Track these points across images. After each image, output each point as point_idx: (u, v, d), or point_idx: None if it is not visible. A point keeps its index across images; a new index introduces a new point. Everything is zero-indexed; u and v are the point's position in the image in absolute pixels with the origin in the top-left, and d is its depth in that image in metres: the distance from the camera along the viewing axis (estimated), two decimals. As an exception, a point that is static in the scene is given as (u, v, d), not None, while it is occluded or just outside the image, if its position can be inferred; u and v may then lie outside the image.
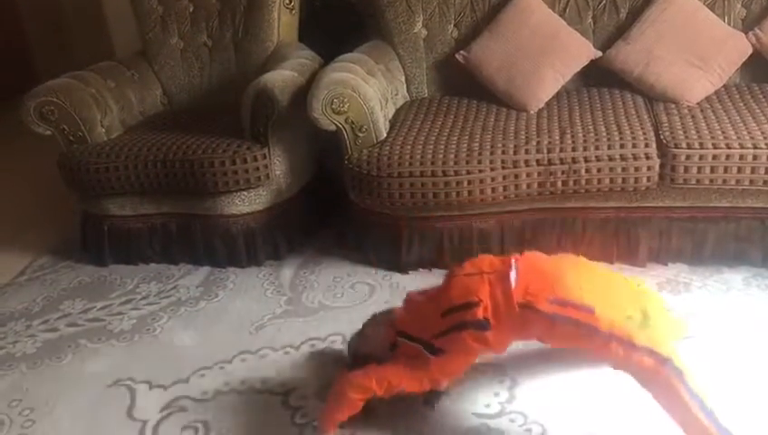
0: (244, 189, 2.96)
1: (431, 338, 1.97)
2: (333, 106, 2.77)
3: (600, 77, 3.07)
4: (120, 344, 2.70)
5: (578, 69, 3.07)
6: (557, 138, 2.70)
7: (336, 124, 2.81)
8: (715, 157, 2.50)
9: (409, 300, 2.19)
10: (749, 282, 2.61)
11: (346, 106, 2.78)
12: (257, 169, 2.92)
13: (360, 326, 2.27)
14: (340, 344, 2.54)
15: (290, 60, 3.17)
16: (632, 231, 2.73)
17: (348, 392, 2.06)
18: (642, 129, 2.65)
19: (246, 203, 3.01)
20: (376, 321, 2.25)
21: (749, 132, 2.53)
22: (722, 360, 2.24)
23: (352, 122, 2.81)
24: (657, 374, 1.75)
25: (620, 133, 2.64)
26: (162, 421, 2.29)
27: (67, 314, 2.93)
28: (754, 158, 2.47)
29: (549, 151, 2.65)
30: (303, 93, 2.86)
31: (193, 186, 2.97)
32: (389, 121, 3.02)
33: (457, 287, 1.99)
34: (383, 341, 2.13)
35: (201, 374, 2.48)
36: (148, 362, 2.58)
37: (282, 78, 2.94)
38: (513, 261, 1.98)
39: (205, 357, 2.56)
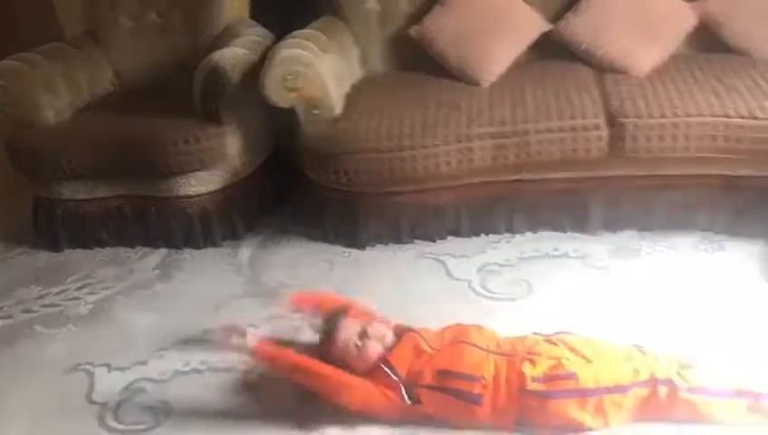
0: (198, 170, 2.94)
1: (416, 385, 2.00)
2: (287, 83, 2.75)
3: (551, 50, 3.10)
4: (77, 329, 2.67)
5: (529, 42, 3.09)
6: (508, 111, 2.72)
7: (290, 101, 2.79)
8: (662, 126, 2.55)
9: (409, 337, 2.14)
10: (696, 247, 2.68)
11: (299, 83, 2.76)
12: (211, 148, 2.90)
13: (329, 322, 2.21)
14: (299, 322, 2.54)
15: (241, 37, 3.13)
16: (583, 201, 2.78)
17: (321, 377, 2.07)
18: (591, 100, 2.70)
19: (202, 183, 2.99)
20: (353, 331, 2.15)
21: (695, 102, 2.59)
22: (673, 324, 2.31)
23: (306, 99, 2.80)
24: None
25: (570, 105, 2.68)
26: (122, 403, 2.28)
27: (22, 300, 2.88)
28: (700, 126, 2.53)
29: (501, 124, 2.68)
30: (256, 71, 2.84)
31: (146, 167, 2.94)
32: (344, 98, 3.02)
33: (467, 356, 2.01)
34: (369, 357, 2.09)
35: (160, 355, 2.47)
36: (106, 345, 2.56)
37: (233, 55, 2.91)
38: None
39: (163, 338, 2.54)
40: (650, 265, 2.62)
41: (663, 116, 2.55)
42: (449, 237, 2.94)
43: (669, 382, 1.89)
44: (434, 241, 2.94)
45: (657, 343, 2.09)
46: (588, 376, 1.91)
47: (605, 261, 2.66)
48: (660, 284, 2.51)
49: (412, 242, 2.94)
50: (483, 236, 2.93)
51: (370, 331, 2.12)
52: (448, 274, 2.74)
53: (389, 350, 2.10)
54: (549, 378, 1.92)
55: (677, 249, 2.67)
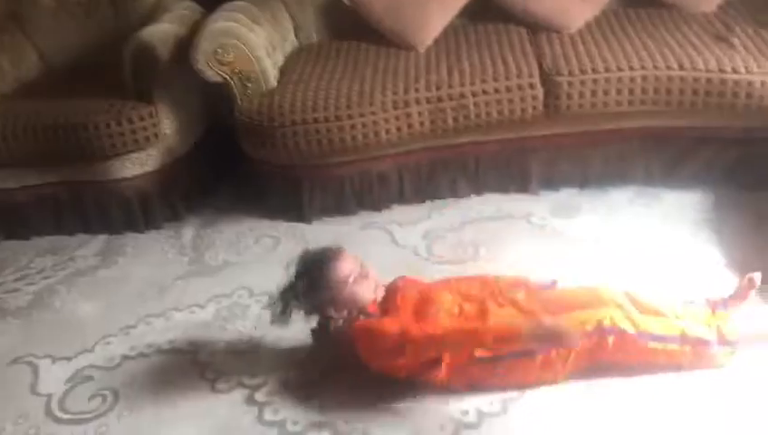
0: (133, 151, 2.86)
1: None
2: (218, 57, 2.70)
3: (485, 12, 3.10)
4: (17, 322, 2.60)
5: (463, 5, 3.08)
6: (445, 75, 2.72)
7: (222, 75, 2.74)
8: (595, 82, 2.58)
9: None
10: (634, 200, 2.74)
11: (231, 56, 2.71)
12: (145, 128, 2.82)
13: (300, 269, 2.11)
14: (247, 299, 2.53)
15: (170, 12, 3.05)
16: (523, 161, 2.81)
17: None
18: (525, 60, 2.71)
19: (137, 165, 2.91)
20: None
21: (626, 56, 2.63)
22: (615, 276, 2.35)
23: (239, 73, 2.74)
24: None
25: (505, 66, 2.69)
26: (68, 393, 2.24)
27: (-43, 296, 2.79)
28: (631, 80, 2.57)
29: (438, 88, 2.68)
30: (187, 46, 2.77)
31: (79, 152, 2.85)
32: (279, 70, 2.97)
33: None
34: (364, 295, 2.05)
35: (106, 342, 2.42)
36: (48, 336, 2.50)
37: (161, 31, 2.84)
38: None
39: (109, 325, 2.50)
40: (591, 220, 2.67)
41: (596, 72, 2.58)
42: (394, 205, 2.94)
43: (616, 330, 1.93)
44: (379, 210, 2.93)
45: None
46: None
47: (547, 219, 2.70)
48: (600, 238, 2.56)
49: (358, 212, 2.94)
50: (428, 202, 2.94)
51: (370, 273, 2.09)
52: (394, 242, 2.74)
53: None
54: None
55: (616, 203, 2.72)
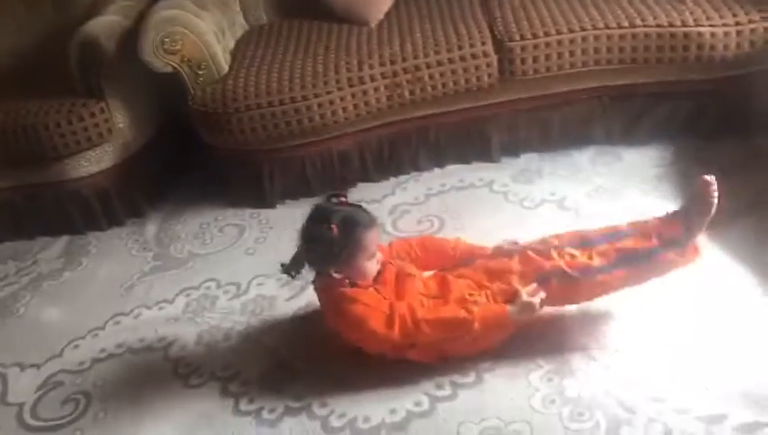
0: (87, 149, 2.80)
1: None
2: (165, 46, 2.64)
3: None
4: (-17, 332, 2.55)
5: (412, -25, 3.05)
6: (398, 48, 2.69)
7: (172, 65, 2.68)
8: (548, 45, 2.57)
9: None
10: (595, 160, 2.75)
11: (179, 44, 2.65)
12: (97, 124, 2.76)
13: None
14: (215, 290, 2.50)
15: (113, 4, 2.96)
16: (483, 129, 2.80)
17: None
18: (478, 27, 2.69)
19: (93, 163, 2.85)
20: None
21: (576, 16, 2.62)
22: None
23: (189, 61, 2.69)
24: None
25: (457, 35, 2.67)
26: (40, 401, 2.20)
27: None
28: (583, 40, 2.57)
29: (392, 63, 2.65)
30: (133, 38, 2.71)
31: (31, 154, 2.78)
32: (230, 54, 2.92)
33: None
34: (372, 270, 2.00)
35: (75, 346, 2.39)
36: (15, 344, 2.45)
37: (105, 24, 2.76)
38: None
39: (76, 328, 2.46)
40: (552, 183, 2.67)
41: (548, 34, 2.57)
42: (358, 184, 2.92)
43: (561, 274, 1.94)
44: (344, 190, 2.91)
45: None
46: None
47: (510, 186, 2.70)
48: (563, 201, 2.57)
49: (321, 194, 2.90)
50: (391, 178, 2.92)
51: (377, 255, 2.02)
52: (360, 220, 2.72)
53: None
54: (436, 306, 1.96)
55: (577, 165, 2.73)
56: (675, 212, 2.00)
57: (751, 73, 2.58)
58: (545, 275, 1.96)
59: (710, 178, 1.94)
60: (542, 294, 1.92)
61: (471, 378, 1.98)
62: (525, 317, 1.92)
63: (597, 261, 1.95)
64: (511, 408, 1.88)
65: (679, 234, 1.95)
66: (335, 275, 1.96)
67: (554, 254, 1.98)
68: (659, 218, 2.01)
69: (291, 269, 2.03)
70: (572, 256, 1.97)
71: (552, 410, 1.85)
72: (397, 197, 2.81)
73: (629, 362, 1.93)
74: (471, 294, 1.97)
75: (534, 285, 1.94)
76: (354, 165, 2.87)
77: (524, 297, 1.91)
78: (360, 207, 2.04)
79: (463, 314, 1.89)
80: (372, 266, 1.99)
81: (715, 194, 1.93)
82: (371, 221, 1.99)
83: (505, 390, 1.93)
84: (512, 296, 1.94)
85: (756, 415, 1.74)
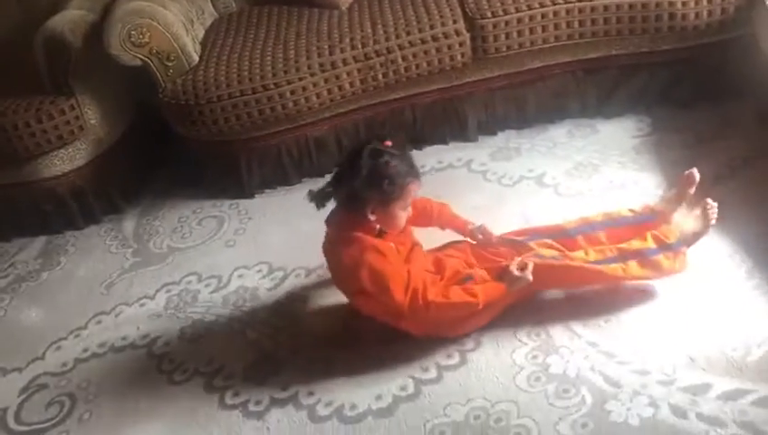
0: (59, 147, 2.76)
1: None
2: (132, 39, 2.59)
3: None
4: (-37, 338, 2.52)
5: (381, -45, 3.00)
6: (369, 30, 2.66)
7: (140, 58, 2.64)
8: (519, 21, 2.55)
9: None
10: (572, 133, 2.74)
11: (147, 37, 2.61)
12: (67, 122, 2.71)
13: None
14: (196, 284, 2.48)
15: (77, -2, 2.91)
16: (459, 109, 2.78)
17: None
18: (449, 6, 2.66)
19: (66, 161, 2.81)
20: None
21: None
22: (557, 209, 2.37)
23: (157, 53, 2.64)
24: None
25: (429, 15, 2.64)
26: (24, 404, 2.18)
27: None
28: (555, 14, 2.55)
29: (364, 46, 2.62)
30: (100, 31, 2.66)
31: (2, 154, 2.73)
32: (200, 44, 2.87)
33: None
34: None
35: (57, 347, 2.36)
36: (-3, 348, 2.43)
37: (70, 19, 2.71)
38: None
39: (57, 329, 2.44)
40: (531, 160, 2.66)
41: (519, 10, 2.54)
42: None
43: (554, 257, 1.97)
44: (322, 176, 2.87)
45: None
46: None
47: (488, 164, 2.69)
48: (542, 176, 2.56)
49: (300, 181, 2.89)
50: (369, 161, 2.89)
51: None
52: (340, 206, 2.70)
53: None
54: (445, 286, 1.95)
55: (554, 140, 2.72)
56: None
57: (724, 40, 2.57)
58: (540, 257, 1.97)
59: (695, 173, 2.04)
60: (531, 265, 1.92)
61: (455, 359, 1.98)
62: (522, 285, 1.92)
63: (593, 256, 1.97)
64: (496, 387, 1.88)
65: (673, 238, 1.98)
66: (370, 217, 1.92)
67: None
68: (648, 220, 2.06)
69: (318, 199, 2.00)
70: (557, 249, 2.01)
71: (537, 388, 1.85)
72: (376, 181, 2.79)
73: (613, 336, 1.94)
74: (464, 270, 2.00)
75: (519, 259, 1.95)
76: (331, 151, 2.84)
77: (515, 272, 1.92)
78: (413, 162, 1.99)
79: (468, 297, 1.89)
80: (404, 218, 1.97)
81: (714, 217, 2.00)
82: (418, 175, 1.97)
83: (490, 369, 1.93)
84: (501, 273, 1.95)
85: (739, 383, 1.75)
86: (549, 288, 2.04)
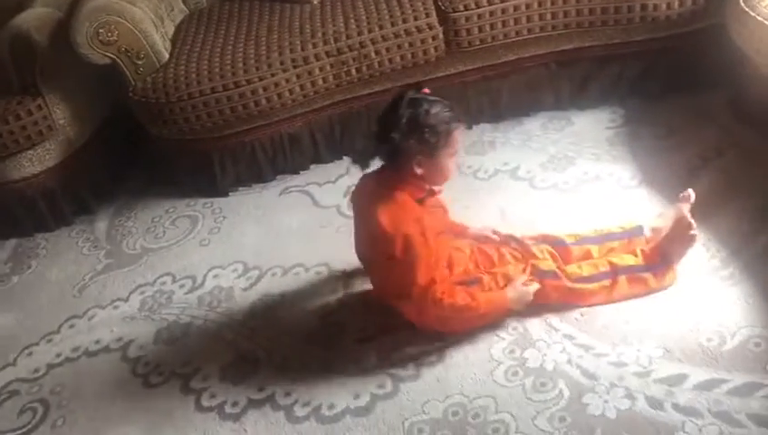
0: (27, 148, 2.71)
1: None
2: (101, 37, 2.55)
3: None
4: (-69, 345, 2.47)
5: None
6: (342, 25, 2.63)
7: (109, 56, 2.59)
8: (491, 14, 2.54)
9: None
10: (546, 126, 2.73)
11: (115, 34, 2.56)
12: (35, 123, 2.66)
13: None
14: (170, 285, 2.45)
15: (43, -5, 2.85)
16: (433, 103, 2.76)
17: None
18: (421, 0, 2.64)
19: (35, 162, 2.76)
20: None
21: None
22: (535, 206, 2.39)
23: (126, 51, 2.60)
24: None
25: (401, 8, 2.62)
26: (-5, 412, 2.15)
27: None
28: (527, 7, 2.53)
29: (336, 40, 2.59)
30: (67, 30, 2.60)
31: (-32, 158, 2.68)
32: (170, 41, 2.83)
33: None
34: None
35: (28, 353, 2.33)
36: (-34, 355, 2.39)
37: (36, 17, 2.66)
38: None
39: (29, 334, 2.40)
40: (505, 153, 2.65)
41: (491, 3, 2.53)
42: (312, 166, 2.88)
43: (553, 275, 1.96)
44: (297, 172, 2.87)
45: (524, 227, 2.16)
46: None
47: (463, 158, 2.67)
48: (516, 170, 2.56)
49: (275, 178, 2.86)
50: (344, 157, 2.87)
51: None
52: (315, 203, 2.69)
53: None
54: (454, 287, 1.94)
55: (528, 133, 2.71)
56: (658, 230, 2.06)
57: (695, 30, 2.57)
58: (540, 274, 1.97)
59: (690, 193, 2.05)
60: (536, 286, 1.94)
61: (433, 356, 1.97)
62: (521, 306, 1.95)
63: (586, 271, 1.97)
64: (474, 383, 1.88)
65: (658, 259, 1.99)
66: (417, 171, 1.83)
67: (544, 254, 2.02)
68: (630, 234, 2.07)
69: (361, 160, 1.91)
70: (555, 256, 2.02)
71: (515, 383, 1.85)
72: (351, 176, 2.75)
73: (589, 329, 1.94)
74: (473, 272, 2.01)
75: (525, 277, 1.96)
76: (305, 147, 2.82)
77: (519, 286, 1.93)
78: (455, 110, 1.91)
79: (470, 301, 1.89)
80: (452, 168, 1.90)
81: (695, 230, 2.00)
82: (461, 117, 1.90)
83: (468, 365, 1.93)
84: (508, 281, 1.96)
85: (714, 372, 1.76)
86: (546, 302, 2.02)
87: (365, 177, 1.97)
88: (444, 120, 1.83)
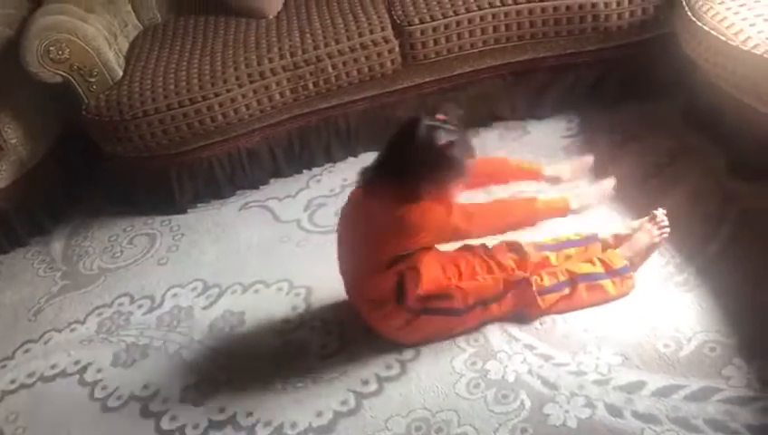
0: (-23, 169, 2.65)
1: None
2: (51, 55, 2.51)
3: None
4: None
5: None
6: (298, 39, 2.63)
7: (60, 74, 2.55)
8: (447, 27, 2.55)
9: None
10: (503, 136, 2.75)
11: (66, 52, 2.52)
12: (-15, 143, 2.61)
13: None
14: (128, 306, 2.41)
15: (-9, 13, 2.80)
16: (391, 115, 2.75)
17: None
18: (377, 13, 2.65)
19: (-13, 183, 2.70)
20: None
21: (471, -5, 2.60)
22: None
23: (78, 68, 2.56)
24: None
25: (357, 22, 2.62)
26: (-55, 444, 2.09)
27: None
28: (481, 19, 2.56)
29: (292, 55, 2.59)
30: (17, 48, 2.55)
31: None
32: (124, 57, 2.79)
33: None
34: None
35: (-18, 379, 2.27)
36: None
37: (-16, 36, 2.60)
38: None
39: (-18, 361, 2.34)
40: (465, 164, 2.66)
41: (446, 16, 2.55)
42: (271, 180, 2.86)
43: (526, 283, 1.98)
44: (257, 187, 2.84)
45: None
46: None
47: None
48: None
49: (234, 194, 2.84)
50: (304, 171, 2.86)
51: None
52: (276, 218, 2.67)
53: None
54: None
55: (487, 143, 2.72)
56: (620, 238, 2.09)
57: (646, 40, 2.62)
58: (514, 285, 1.99)
59: (661, 213, 2.08)
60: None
61: (396, 370, 1.97)
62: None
63: (547, 281, 1.98)
64: (437, 396, 1.88)
65: (620, 264, 2.01)
66: (424, 194, 1.82)
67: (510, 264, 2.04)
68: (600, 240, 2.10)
69: (369, 177, 1.92)
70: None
71: (477, 395, 1.86)
72: (312, 190, 2.76)
73: (549, 338, 1.96)
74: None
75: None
76: (264, 161, 2.80)
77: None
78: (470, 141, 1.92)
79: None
80: (459, 192, 1.90)
81: (667, 229, 2.05)
82: (473, 145, 1.92)
83: (430, 378, 1.93)
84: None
85: (672, 378, 1.79)
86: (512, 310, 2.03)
87: (364, 194, 1.95)
88: (462, 153, 1.82)
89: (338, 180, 2.77)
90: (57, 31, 2.51)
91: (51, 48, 2.49)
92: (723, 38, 2.16)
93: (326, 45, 2.58)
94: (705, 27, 2.22)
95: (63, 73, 2.55)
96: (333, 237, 2.41)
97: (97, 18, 2.73)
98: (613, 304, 2.00)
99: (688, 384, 1.77)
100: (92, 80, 2.60)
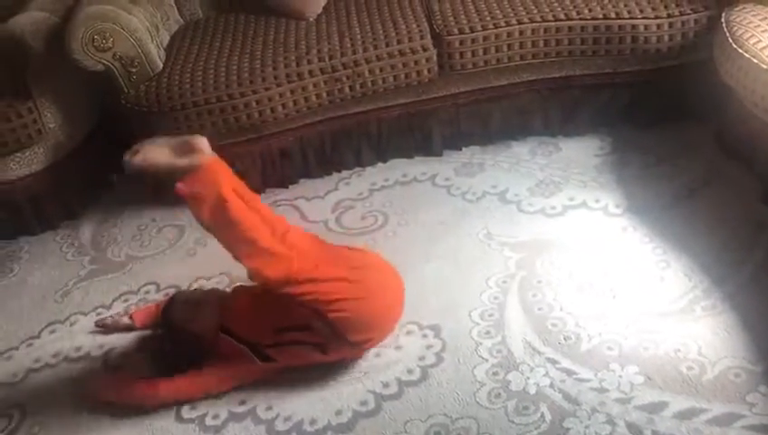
0: (16, 151, 2.68)
1: (263, 346, 1.97)
2: (95, 44, 2.55)
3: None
4: None
5: (349, -32, 3.00)
6: (337, 43, 2.66)
7: (103, 63, 2.59)
8: (485, 38, 2.57)
9: (236, 296, 2.16)
10: (535, 151, 2.77)
11: (110, 41, 2.56)
12: (25, 126, 2.64)
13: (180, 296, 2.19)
14: (154, 294, 2.44)
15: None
16: (424, 123, 2.79)
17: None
18: (417, 22, 2.67)
19: (23, 165, 2.73)
20: (205, 299, 2.14)
21: (513, 10, 2.62)
22: (523, 227, 2.41)
23: (121, 58, 2.60)
24: None
25: (396, 29, 2.65)
26: (-29, 417, 2.12)
27: None
28: (520, 33, 2.58)
29: (331, 58, 2.61)
30: (62, 34, 2.60)
31: (-45, 158, 2.66)
32: (165, 50, 2.83)
33: (290, 308, 1.94)
34: (211, 327, 2.05)
35: (7, 357, 2.30)
36: (-56, 357, 2.35)
37: (31, 21, 2.65)
38: None
39: (9, 338, 2.37)
40: (494, 176, 2.68)
41: (485, 28, 2.57)
42: (301, 180, 2.88)
43: None
44: (286, 187, 2.87)
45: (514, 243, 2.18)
46: None
47: (452, 179, 2.70)
48: (504, 193, 2.58)
49: (263, 191, 2.86)
50: (334, 173, 2.88)
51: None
52: (303, 217, 2.69)
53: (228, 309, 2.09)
54: None
55: (517, 157, 2.75)
56: None
57: (684, 64, 2.63)
58: None
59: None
60: None
61: (417, 375, 1.98)
62: None
63: None
64: (457, 404, 1.88)
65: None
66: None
67: None
68: None
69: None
70: None
71: (497, 405, 1.86)
72: (340, 192, 2.79)
73: (572, 353, 1.95)
74: None
75: None
76: (296, 161, 2.83)
77: None
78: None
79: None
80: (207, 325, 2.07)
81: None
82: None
83: (451, 385, 1.93)
84: None
85: (695, 401, 1.78)
86: None
87: None
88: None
89: (366, 184, 2.79)
90: (102, 20, 2.55)
91: (95, 36, 2.53)
92: (764, 66, 2.16)
93: (364, 50, 2.61)
94: (746, 55, 2.22)
95: (106, 62, 2.59)
96: (360, 239, 2.46)
97: (140, 10, 2.78)
98: (638, 324, 2.00)
99: (711, 408, 1.76)
100: (133, 70, 2.64)
